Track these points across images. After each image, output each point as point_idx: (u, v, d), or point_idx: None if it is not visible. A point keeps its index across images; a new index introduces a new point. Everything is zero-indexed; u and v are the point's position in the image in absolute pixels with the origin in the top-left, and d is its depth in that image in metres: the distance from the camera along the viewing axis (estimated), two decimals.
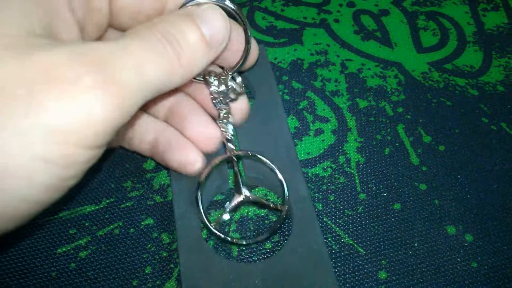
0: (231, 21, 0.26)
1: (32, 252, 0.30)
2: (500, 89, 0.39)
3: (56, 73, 0.17)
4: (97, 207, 0.32)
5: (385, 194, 0.33)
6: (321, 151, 0.35)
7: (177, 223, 0.30)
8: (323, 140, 0.36)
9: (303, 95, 0.39)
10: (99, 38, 0.26)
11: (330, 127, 0.37)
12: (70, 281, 0.29)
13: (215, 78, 0.29)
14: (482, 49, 0.43)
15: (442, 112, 0.38)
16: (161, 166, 0.34)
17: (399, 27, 0.44)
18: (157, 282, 0.29)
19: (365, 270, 0.30)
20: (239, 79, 0.29)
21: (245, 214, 0.32)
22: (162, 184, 0.33)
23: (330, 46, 0.42)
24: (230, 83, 0.29)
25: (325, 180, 0.34)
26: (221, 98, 0.30)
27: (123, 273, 0.29)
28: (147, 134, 0.30)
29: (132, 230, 0.31)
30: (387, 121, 0.37)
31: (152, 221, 0.32)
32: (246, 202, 0.31)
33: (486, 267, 0.30)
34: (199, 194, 0.30)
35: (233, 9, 0.26)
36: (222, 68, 0.30)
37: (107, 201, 0.32)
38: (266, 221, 0.31)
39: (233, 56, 0.29)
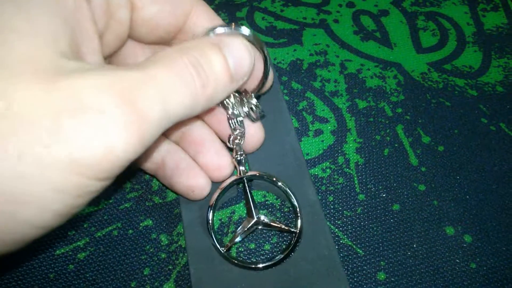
0: (253, 49, 0.25)
1: (31, 253, 0.30)
2: (499, 90, 0.39)
3: (82, 103, 0.16)
4: (95, 208, 0.32)
5: (384, 195, 0.33)
6: (320, 152, 0.35)
7: (186, 232, 0.29)
8: (322, 141, 0.36)
9: (302, 95, 0.39)
10: (119, 48, 0.26)
11: (329, 127, 0.37)
12: (69, 282, 0.29)
13: (233, 100, 0.29)
14: (481, 49, 0.42)
15: (441, 112, 0.38)
16: None
17: (398, 28, 0.44)
18: (156, 284, 0.29)
19: (364, 271, 0.30)
20: (255, 102, 0.29)
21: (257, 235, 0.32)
22: (161, 185, 0.33)
23: (330, 47, 0.42)
24: (248, 106, 0.29)
25: (324, 181, 0.34)
26: (238, 120, 0.30)
27: (122, 274, 0.29)
28: (155, 154, 0.29)
29: (130, 231, 0.31)
30: (387, 122, 0.37)
31: (151, 222, 0.32)
32: (258, 225, 0.30)
33: (485, 268, 0.30)
34: (210, 217, 0.29)
35: (252, 40, 0.26)
36: (239, 92, 0.30)
37: (106, 202, 0.32)
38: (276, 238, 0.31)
39: (251, 82, 0.29)
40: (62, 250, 0.30)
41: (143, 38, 0.26)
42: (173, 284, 0.29)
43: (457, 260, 0.30)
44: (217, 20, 0.27)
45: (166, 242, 0.31)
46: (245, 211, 0.32)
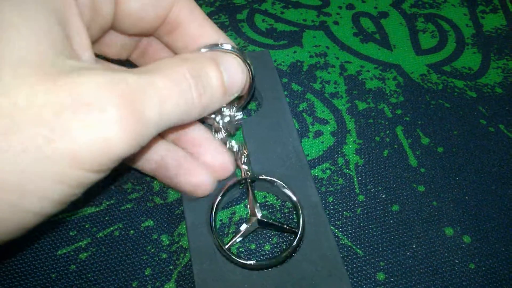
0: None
1: (33, 253, 0.30)
2: (498, 91, 0.39)
3: (84, 100, 0.17)
4: (97, 209, 0.32)
5: (383, 196, 0.33)
6: (320, 153, 0.35)
7: (189, 232, 0.30)
8: (322, 142, 0.36)
9: (302, 97, 0.39)
10: (99, 38, 0.27)
11: (329, 129, 0.37)
12: (70, 283, 0.29)
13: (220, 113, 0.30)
14: (480, 51, 0.43)
15: (441, 114, 0.38)
16: None
17: (398, 29, 0.44)
18: (157, 284, 0.29)
19: (364, 272, 0.30)
20: (240, 115, 0.31)
21: (260, 235, 0.32)
22: (162, 186, 0.34)
23: (330, 48, 0.43)
24: (230, 118, 0.30)
25: (324, 182, 0.34)
26: (227, 129, 0.31)
27: (123, 274, 0.30)
28: (154, 154, 0.29)
29: (132, 231, 0.31)
30: (386, 123, 0.37)
31: (152, 222, 0.32)
32: (260, 225, 0.31)
33: (483, 268, 0.30)
34: (212, 217, 0.30)
35: (241, 57, 0.27)
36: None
37: (107, 203, 0.33)
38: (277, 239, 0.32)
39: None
40: (64, 251, 0.31)
41: (126, 30, 0.26)
42: (174, 284, 0.29)
43: (456, 261, 0.30)
44: (198, 12, 0.27)
45: (167, 243, 0.31)
46: (246, 212, 0.32)
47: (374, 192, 0.33)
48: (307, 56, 0.42)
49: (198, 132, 0.30)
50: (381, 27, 0.45)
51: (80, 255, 0.30)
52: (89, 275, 0.30)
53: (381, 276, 0.30)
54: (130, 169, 0.34)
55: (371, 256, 0.30)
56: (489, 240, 0.31)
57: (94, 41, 0.27)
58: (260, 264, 0.28)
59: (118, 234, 0.31)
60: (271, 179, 0.31)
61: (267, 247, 0.31)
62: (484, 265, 0.30)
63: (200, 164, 0.30)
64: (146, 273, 0.30)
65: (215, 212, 0.30)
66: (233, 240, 0.30)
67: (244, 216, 0.32)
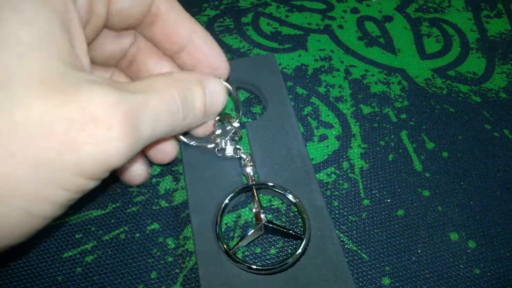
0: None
1: (39, 256, 0.30)
2: (502, 96, 0.39)
3: (93, 117, 0.18)
4: (103, 212, 0.32)
5: (388, 200, 0.33)
6: (325, 157, 0.36)
7: (195, 236, 0.30)
8: (327, 146, 0.36)
9: (307, 101, 0.39)
10: (94, 39, 0.27)
11: (334, 133, 0.37)
12: (76, 285, 0.29)
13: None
14: (485, 55, 0.43)
15: (445, 118, 0.38)
16: (167, 172, 0.34)
17: (402, 34, 0.44)
18: (163, 287, 0.29)
19: (369, 276, 0.30)
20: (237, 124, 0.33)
21: (265, 239, 0.32)
22: (168, 189, 0.34)
23: (334, 52, 0.43)
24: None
25: (329, 186, 0.34)
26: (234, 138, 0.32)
27: (129, 277, 0.30)
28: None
29: (137, 234, 0.31)
30: (391, 127, 0.37)
31: (157, 226, 0.32)
32: (266, 230, 0.31)
33: (489, 273, 0.30)
34: (218, 221, 0.30)
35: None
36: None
37: (113, 206, 0.33)
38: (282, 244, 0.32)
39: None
40: (70, 253, 0.31)
41: (114, 26, 0.27)
42: (180, 287, 0.29)
43: (461, 266, 0.30)
44: (176, 5, 0.28)
45: (173, 246, 0.31)
46: (251, 216, 0.32)
47: (379, 197, 0.33)
48: (311, 60, 0.42)
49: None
50: (385, 31, 0.45)
51: (86, 258, 0.30)
52: (95, 278, 0.30)
53: (386, 280, 0.30)
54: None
55: (376, 261, 0.30)
56: (494, 245, 0.31)
57: (89, 44, 0.27)
58: (265, 268, 0.28)
59: (123, 237, 0.31)
60: (278, 187, 0.31)
61: (273, 251, 0.31)
62: (489, 270, 0.30)
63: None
64: (152, 276, 0.30)
65: (221, 216, 0.30)
66: (239, 244, 0.30)
67: (249, 220, 0.32)
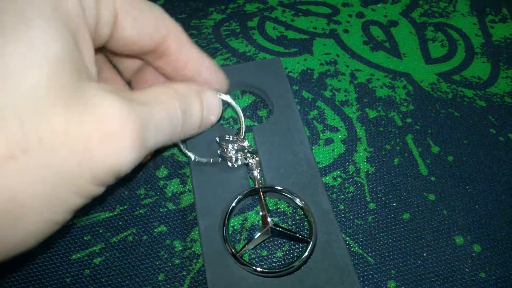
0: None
1: (47, 258, 0.31)
2: (507, 101, 0.40)
3: (109, 129, 0.20)
4: (111, 214, 0.33)
5: (394, 204, 0.33)
6: (331, 161, 0.36)
7: (202, 239, 0.30)
8: (333, 150, 0.36)
9: (313, 104, 0.39)
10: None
11: (339, 136, 0.37)
12: (84, 287, 0.30)
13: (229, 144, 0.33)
14: (490, 60, 0.43)
15: (451, 122, 0.38)
16: (174, 174, 0.35)
17: (407, 38, 0.45)
18: None
19: (375, 280, 0.30)
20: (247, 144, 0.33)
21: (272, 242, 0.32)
22: (175, 192, 0.34)
23: (340, 56, 0.43)
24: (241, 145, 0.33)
25: (335, 190, 0.34)
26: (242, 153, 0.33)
27: (137, 279, 0.30)
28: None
29: (145, 237, 0.32)
30: (396, 131, 0.37)
31: (165, 228, 0.32)
32: (273, 234, 0.31)
33: (494, 277, 0.30)
34: (226, 224, 0.30)
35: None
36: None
37: (121, 208, 0.33)
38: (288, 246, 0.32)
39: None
40: (78, 255, 0.31)
41: (114, 50, 0.27)
42: None
43: (467, 269, 0.30)
44: (186, 40, 0.28)
45: (180, 248, 0.31)
46: (258, 218, 0.33)
47: (385, 200, 0.34)
48: (317, 64, 0.42)
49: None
50: (391, 36, 0.45)
51: (94, 260, 0.31)
52: (103, 280, 0.30)
53: (392, 284, 0.30)
54: (143, 173, 0.35)
55: (382, 264, 0.31)
56: (499, 249, 0.31)
57: None
58: (272, 271, 0.29)
59: (131, 239, 0.32)
60: (285, 190, 0.32)
61: (279, 254, 0.31)
62: (494, 274, 0.30)
63: None
64: (159, 278, 0.30)
65: (228, 218, 0.30)
66: (245, 247, 0.30)
67: (256, 222, 0.33)
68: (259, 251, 0.31)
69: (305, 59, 0.43)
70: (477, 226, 0.32)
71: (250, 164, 0.33)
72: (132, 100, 0.22)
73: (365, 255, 0.31)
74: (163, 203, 0.33)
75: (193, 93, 0.28)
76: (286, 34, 0.45)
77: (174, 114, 0.25)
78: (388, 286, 0.30)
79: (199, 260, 0.31)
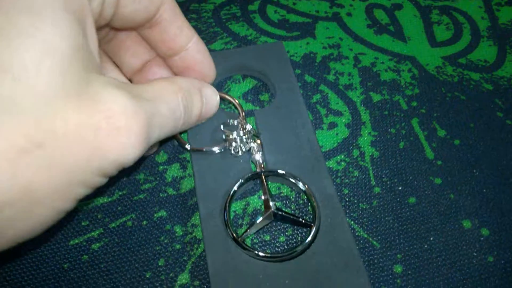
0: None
1: (45, 243, 0.30)
2: None
3: (116, 124, 0.20)
4: (109, 199, 0.32)
5: (400, 188, 0.33)
6: (334, 145, 0.35)
7: (203, 223, 0.29)
8: (336, 134, 0.36)
9: (316, 88, 0.38)
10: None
11: (343, 120, 0.36)
12: (83, 273, 0.29)
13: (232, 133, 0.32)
14: (496, 43, 0.42)
15: (457, 106, 0.37)
16: (174, 159, 0.34)
17: (412, 21, 0.44)
18: (171, 275, 0.29)
19: (381, 264, 0.29)
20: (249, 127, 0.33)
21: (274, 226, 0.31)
22: (175, 176, 0.33)
23: (343, 40, 0.42)
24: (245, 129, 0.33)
25: (339, 174, 0.33)
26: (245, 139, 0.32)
27: (136, 265, 0.29)
28: None
29: (145, 222, 0.31)
30: (401, 115, 0.37)
31: (165, 213, 0.31)
32: (275, 218, 0.30)
33: (502, 261, 0.29)
34: (227, 208, 0.29)
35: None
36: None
37: (120, 193, 0.32)
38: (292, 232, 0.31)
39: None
40: (76, 241, 0.30)
41: (113, 26, 0.27)
42: (188, 275, 0.29)
43: (474, 254, 0.30)
44: (179, 13, 0.29)
45: (181, 233, 0.31)
46: (260, 203, 0.32)
47: (390, 184, 0.33)
48: (320, 48, 0.41)
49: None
50: (395, 19, 0.44)
51: (93, 245, 0.30)
52: (102, 266, 0.29)
53: (398, 268, 0.29)
54: (143, 160, 0.34)
55: (388, 249, 0.30)
56: (507, 233, 0.31)
57: None
58: (274, 256, 0.28)
59: (130, 225, 0.31)
60: (288, 174, 0.31)
61: (282, 238, 0.30)
62: (503, 258, 0.29)
63: None
64: (159, 264, 0.29)
65: (229, 203, 0.30)
66: (247, 232, 0.29)
67: (258, 207, 0.32)
68: (261, 236, 0.30)
69: (308, 43, 0.42)
70: (485, 210, 0.32)
71: (251, 148, 0.32)
72: (138, 95, 0.22)
73: (370, 239, 0.30)
74: (163, 188, 0.33)
75: (195, 89, 0.29)
76: (288, 18, 0.44)
77: (178, 109, 0.26)
78: (394, 270, 0.29)
79: (200, 245, 0.30)
